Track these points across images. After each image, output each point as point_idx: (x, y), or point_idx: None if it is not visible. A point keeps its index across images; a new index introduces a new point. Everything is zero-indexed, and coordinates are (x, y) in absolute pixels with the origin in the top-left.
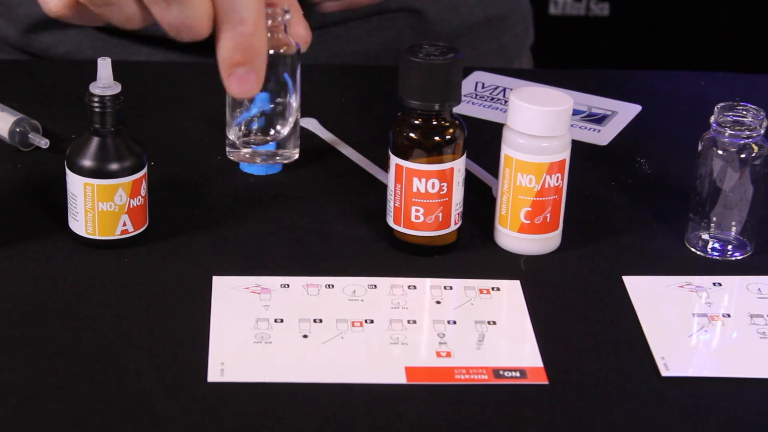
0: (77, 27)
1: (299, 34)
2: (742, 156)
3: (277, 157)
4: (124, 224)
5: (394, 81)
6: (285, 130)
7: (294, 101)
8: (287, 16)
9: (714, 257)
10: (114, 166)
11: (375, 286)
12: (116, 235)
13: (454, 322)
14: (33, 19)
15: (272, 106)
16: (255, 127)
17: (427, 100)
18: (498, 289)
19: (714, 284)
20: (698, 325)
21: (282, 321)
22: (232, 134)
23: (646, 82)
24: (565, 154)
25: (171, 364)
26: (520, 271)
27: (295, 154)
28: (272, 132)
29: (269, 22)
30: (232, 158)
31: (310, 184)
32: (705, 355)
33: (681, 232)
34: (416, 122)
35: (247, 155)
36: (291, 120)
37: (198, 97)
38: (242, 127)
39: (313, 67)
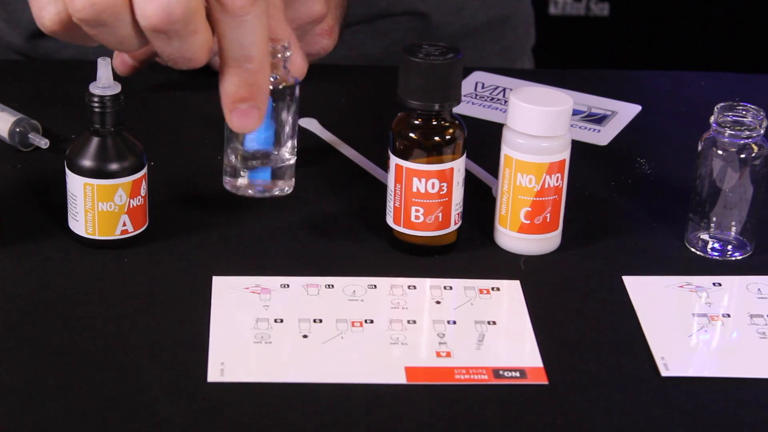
0: None
1: (296, 64)
2: (742, 156)
3: (275, 190)
4: (124, 224)
5: (394, 81)
6: (281, 163)
7: (291, 135)
8: (287, 53)
9: (714, 257)
10: (114, 166)
11: (375, 286)
12: (116, 235)
13: (454, 322)
14: (37, 26)
15: (269, 138)
16: (252, 161)
17: (427, 100)
18: (498, 289)
19: (714, 284)
20: (698, 325)
21: (282, 321)
22: (230, 163)
23: (646, 82)
24: (565, 154)
25: (171, 364)
26: (520, 271)
27: (291, 186)
28: (269, 164)
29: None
30: (227, 188)
31: (310, 184)
32: (705, 355)
33: (681, 232)
34: (416, 122)
35: (243, 185)
36: (287, 153)
37: (198, 97)
38: (239, 158)
39: (314, 68)
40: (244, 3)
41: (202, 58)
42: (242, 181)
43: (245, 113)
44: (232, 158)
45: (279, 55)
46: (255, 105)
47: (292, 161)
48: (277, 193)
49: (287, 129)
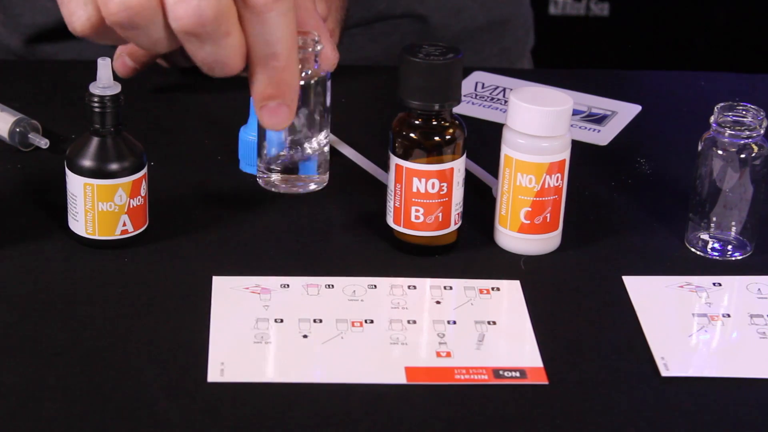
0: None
1: (326, 55)
2: (742, 156)
3: (312, 185)
4: (124, 224)
5: (394, 81)
6: (315, 157)
7: (324, 129)
8: (318, 47)
9: (714, 257)
10: (114, 166)
11: (375, 286)
12: (116, 235)
13: (454, 322)
14: (36, 30)
15: (302, 134)
16: (286, 154)
17: (427, 100)
18: (498, 289)
19: (714, 284)
20: (698, 325)
21: (282, 321)
22: (263, 159)
23: (646, 82)
24: (565, 154)
25: (171, 364)
26: (520, 271)
27: (325, 180)
28: (303, 159)
29: (300, 54)
30: (261, 183)
31: None
32: (705, 355)
33: (681, 232)
34: (416, 122)
35: (276, 181)
36: (322, 147)
37: (198, 98)
38: (272, 155)
39: None
40: (268, 0)
41: (236, 62)
42: (276, 176)
43: (274, 111)
44: (266, 155)
45: (310, 49)
46: (284, 102)
47: (326, 155)
48: (312, 188)
49: (321, 122)
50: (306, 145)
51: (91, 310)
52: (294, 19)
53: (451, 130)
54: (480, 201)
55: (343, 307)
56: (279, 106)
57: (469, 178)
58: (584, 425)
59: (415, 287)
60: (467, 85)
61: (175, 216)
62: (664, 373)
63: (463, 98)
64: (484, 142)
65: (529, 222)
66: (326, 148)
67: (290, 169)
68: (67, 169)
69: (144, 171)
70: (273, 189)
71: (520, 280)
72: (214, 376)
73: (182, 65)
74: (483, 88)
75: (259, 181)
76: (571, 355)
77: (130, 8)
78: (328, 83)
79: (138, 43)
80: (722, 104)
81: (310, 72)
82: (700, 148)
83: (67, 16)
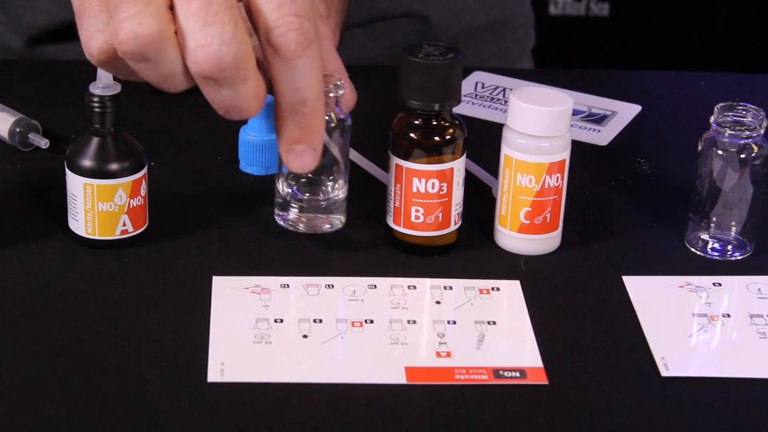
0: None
1: (346, 96)
2: (742, 156)
3: (326, 226)
4: (124, 224)
5: (394, 81)
6: (335, 197)
7: (344, 169)
8: (340, 92)
9: (714, 257)
10: (114, 166)
11: (375, 286)
12: (116, 235)
13: (454, 322)
14: (37, 31)
15: (322, 173)
16: (306, 196)
17: (427, 100)
18: (498, 289)
19: (714, 284)
20: (698, 325)
21: (282, 321)
22: (280, 195)
23: (646, 82)
24: (565, 154)
25: (171, 364)
26: (520, 271)
27: (342, 221)
28: (322, 198)
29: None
30: (279, 222)
31: None
32: (705, 355)
33: (681, 232)
34: (416, 122)
35: (295, 219)
36: (340, 187)
37: (198, 98)
38: (290, 192)
39: None
40: (297, 47)
41: (253, 106)
42: (294, 215)
43: (300, 154)
44: (282, 189)
45: (332, 94)
46: (310, 146)
47: (345, 195)
48: (327, 228)
49: (341, 163)
50: (325, 187)
51: (91, 310)
52: (321, 63)
53: (451, 130)
54: (480, 201)
55: (343, 307)
56: (306, 150)
57: (469, 178)
58: (584, 425)
59: (415, 287)
60: (467, 85)
61: (175, 216)
62: (664, 373)
63: (463, 98)
64: (484, 142)
65: (529, 222)
66: (344, 190)
67: (309, 208)
68: (67, 169)
69: (144, 171)
70: (291, 228)
71: (520, 280)
72: (214, 376)
73: None
74: (483, 88)
75: (277, 218)
76: (571, 355)
77: (139, 37)
78: (348, 124)
79: (148, 77)
80: (722, 104)
81: (332, 115)
82: (700, 148)
83: (85, 40)
